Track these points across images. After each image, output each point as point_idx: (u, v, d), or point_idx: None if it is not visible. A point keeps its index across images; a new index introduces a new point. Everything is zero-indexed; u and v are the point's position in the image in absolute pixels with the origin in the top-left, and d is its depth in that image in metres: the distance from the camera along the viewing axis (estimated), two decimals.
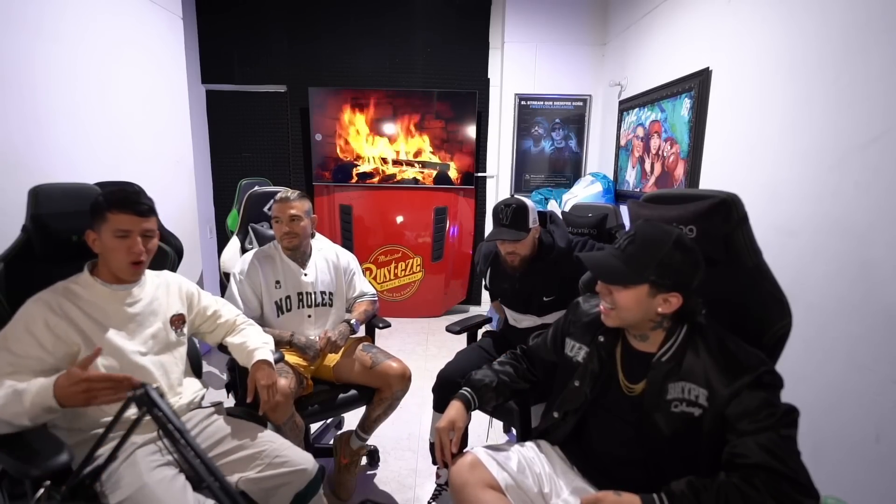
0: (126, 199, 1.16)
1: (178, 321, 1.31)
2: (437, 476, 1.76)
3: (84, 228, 1.18)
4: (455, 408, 1.17)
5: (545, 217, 1.77)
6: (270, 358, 1.38)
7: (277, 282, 1.75)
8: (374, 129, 3.72)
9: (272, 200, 2.35)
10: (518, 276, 1.71)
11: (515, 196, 1.79)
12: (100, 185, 1.38)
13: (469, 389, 1.21)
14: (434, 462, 1.76)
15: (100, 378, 0.96)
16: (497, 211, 1.64)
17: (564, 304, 1.28)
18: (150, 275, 1.29)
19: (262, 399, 1.33)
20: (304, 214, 1.74)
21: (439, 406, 1.68)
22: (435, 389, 1.71)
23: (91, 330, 1.13)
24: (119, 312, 1.19)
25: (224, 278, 2.55)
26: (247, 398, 1.34)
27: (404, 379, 1.71)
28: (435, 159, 3.77)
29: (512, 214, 1.60)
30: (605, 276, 1.00)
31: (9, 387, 0.99)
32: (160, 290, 1.29)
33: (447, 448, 1.12)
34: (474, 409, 1.20)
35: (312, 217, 1.80)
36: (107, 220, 1.14)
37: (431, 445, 1.74)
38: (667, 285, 0.94)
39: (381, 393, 1.72)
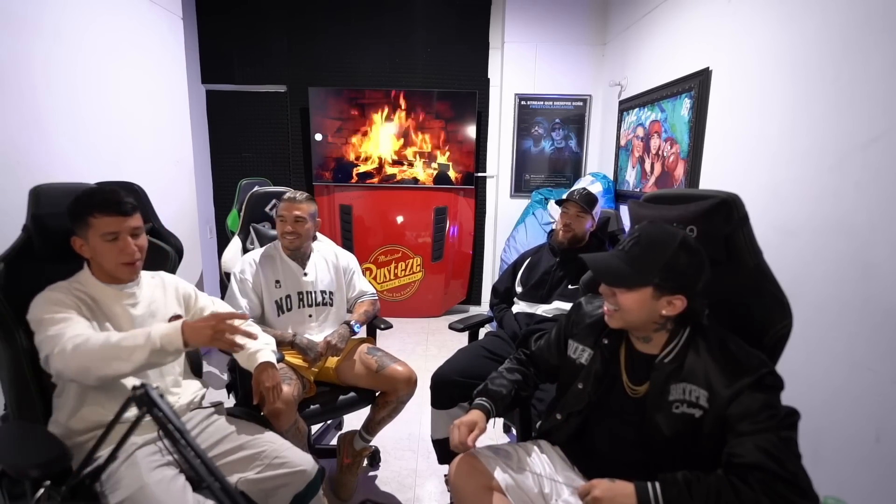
0: (107, 199, 1.11)
1: None
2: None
3: None
4: (475, 415, 1.11)
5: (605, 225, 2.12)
6: (273, 359, 1.38)
7: (277, 281, 1.75)
8: (374, 129, 3.71)
9: (275, 200, 2.37)
10: (559, 260, 1.88)
11: None
12: (100, 185, 1.37)
13: (488, 399, 1.15)
14: (440, 460, 1.75)
15: (228, 316, 1.06)
16: (573, 191, 1.91)
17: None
18: (146, 275, 1.28)
19: (266, 400, 1.33)
20: (308, 217, 1.74)
21: (437, 403, 1.68)
22: (432, 387, 1.71)
23: (98, 328, 1.12)
24: (123, 313, 1.18)
25: (224, 278, 2.55)
26: (252, 400, 1.35)
27: (410, 383, 1.71)
28: (435, 159, 3.77)
29: (586, 195, 1.87)
30: (608, 278, 1.00)
31: (99, 336, 1.02)
32: (157, 292, 1.29)
33: (465, 438, 1.05)
34: (492, 418, 1.14)
35: (317, 221, 1.81)
36: (90, 224, 1.11)
37: (435, 442, 1.73)
38: (671, 287, 0.93)
39: (387, 396, 1.72)
